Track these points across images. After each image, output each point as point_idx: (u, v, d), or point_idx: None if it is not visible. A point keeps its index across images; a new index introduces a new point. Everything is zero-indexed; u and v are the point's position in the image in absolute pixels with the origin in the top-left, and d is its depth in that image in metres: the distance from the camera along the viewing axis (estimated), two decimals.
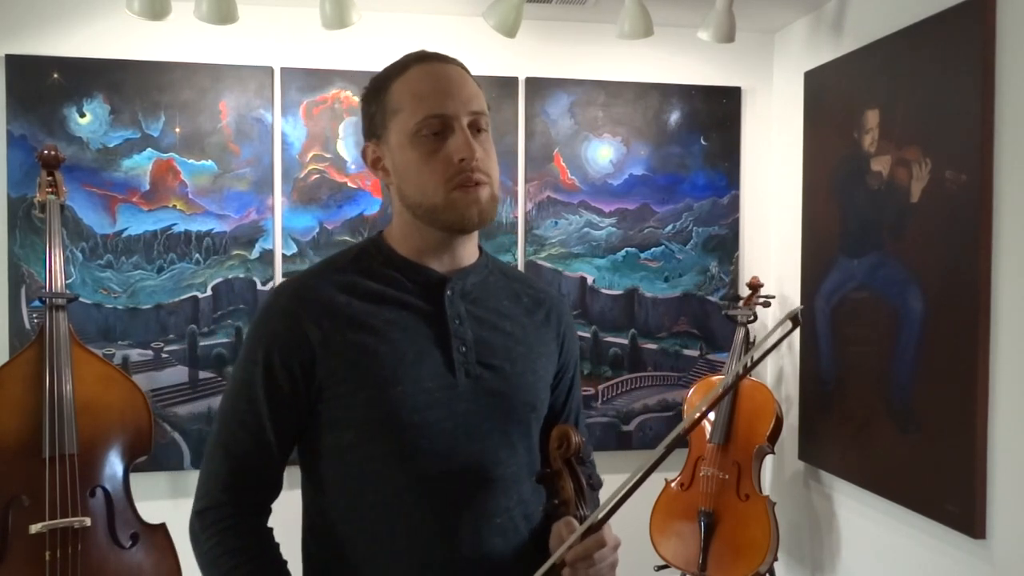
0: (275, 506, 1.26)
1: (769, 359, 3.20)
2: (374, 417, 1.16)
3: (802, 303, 2.91)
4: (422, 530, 1.16)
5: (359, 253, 1.24)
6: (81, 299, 2.68)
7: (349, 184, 2.89)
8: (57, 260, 2.37)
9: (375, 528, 1.18)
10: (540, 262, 3.02)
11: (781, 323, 1.06)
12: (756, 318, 2.96)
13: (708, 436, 2.84)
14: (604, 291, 3.07)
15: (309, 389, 1.17)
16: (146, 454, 2.44)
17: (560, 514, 1.18)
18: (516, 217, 3.00)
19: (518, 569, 1.19)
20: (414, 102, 1.15)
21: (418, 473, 1.16)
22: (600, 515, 1.10)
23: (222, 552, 1.16)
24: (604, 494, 1.24)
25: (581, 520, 1.15)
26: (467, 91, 1.17)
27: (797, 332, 2.93)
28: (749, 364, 1.20)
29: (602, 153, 3.07)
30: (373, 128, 1.21)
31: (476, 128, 1.17)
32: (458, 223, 1.16)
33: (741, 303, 2.99)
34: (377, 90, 1.20)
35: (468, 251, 1.26)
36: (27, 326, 2.68)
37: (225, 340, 2.82)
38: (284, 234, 2.86)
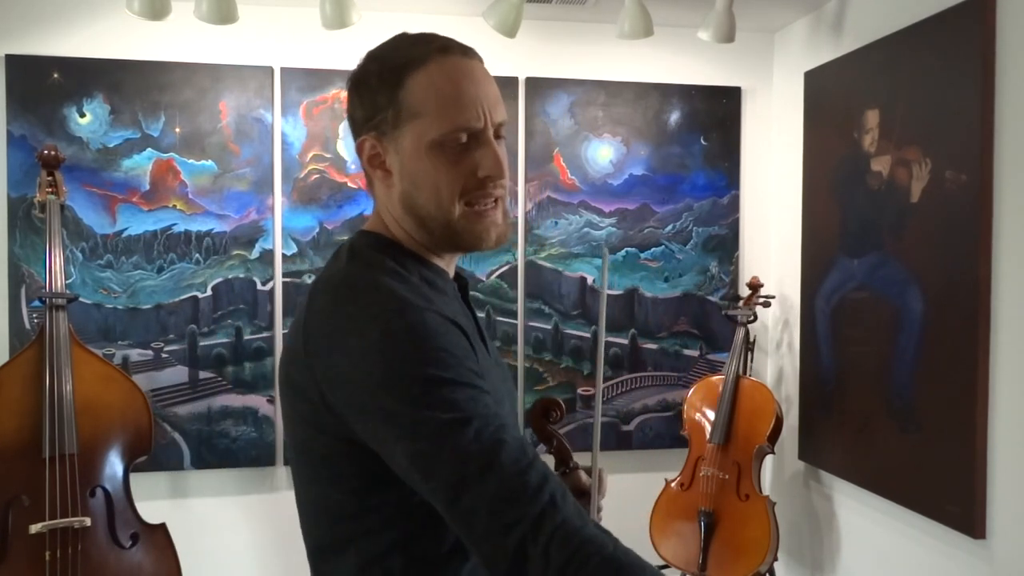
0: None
1: (769, 359, 3.21)
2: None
3: (802, 303, 2.91)
4: None
5: (393, 259, 1.07)
6: (81, 299, 2.68)
7: (349, 184, 2.89)
8: (57, 260, 2.37)
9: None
10: (540, 262, 3.02)
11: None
12: (756, 318, 2.96)
13: (708, 436, 2.84)
14: None
15: None
16: (146, 454, 2.44)
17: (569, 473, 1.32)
18: (516, 217, 3.00)
19: None
20: (441, 108, 1.02)
21: None
22: (597, 459, 1.26)
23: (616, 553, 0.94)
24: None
25: (585, 471, 1.32)
26: (493, 95, 1.06)
27: (798, 331, 2.92)
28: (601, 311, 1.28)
29: (602, 153, 3.07)
30: (377, 122, 1.06)
31: (496, 136, 1.07)
32: (475, 246, 1.08)
33: (741, 303, 2.99)
34: (387, 81, 1.04)
35: None
36: (27, 326, 2.68)
37: (225, 340, 2.82)
38: (284, 234, 2.86)
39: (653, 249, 3.10)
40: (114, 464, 2.37)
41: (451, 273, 1.16)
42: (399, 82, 1.03)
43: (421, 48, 1.05)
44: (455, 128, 1.02)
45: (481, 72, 1.07)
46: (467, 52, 1.07)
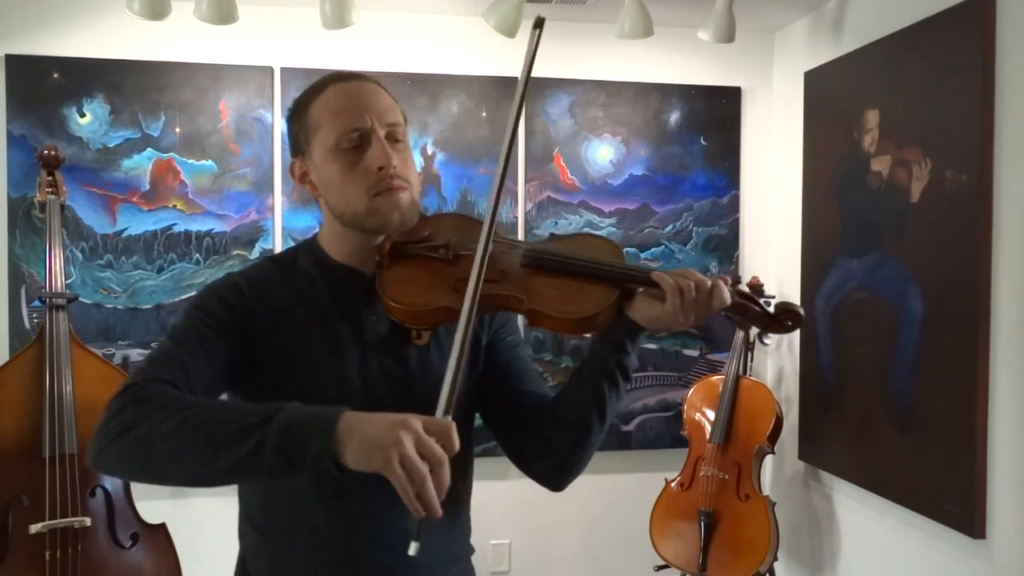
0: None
1: (769, 359, 3.21)
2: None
3: (802, 303, 2.91)
4: (323, 531, 1.22)
5: (296, 254, 1.32)
6: (81, 299, 2.68)
7: None
8: (57, 260, 2.37)
9: (283, 521, 1.30)
10: None
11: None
12: None
13: (708, 436, 2.83)
14: None
15: (240, 358, 1.21)
16: None
17: None
18: (516, 217, 3.00)
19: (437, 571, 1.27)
20: (332, 118, 1.22)
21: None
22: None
23: (168, 399, 1.09)
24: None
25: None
26: (381, 104, 1.24)
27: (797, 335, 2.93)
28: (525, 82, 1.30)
29: (602, 153, 3.07)
30: (298, 145, 1.28)
31: (393, 139, 1.23)
32: (381, 227, 1.23)
33: None
34: (299, 111, 1.27)
35: None
36: (27, 326, 2.68)
37: None
38: (284, 234, 2.86)
39: (653, 249, 3.10)
40: None
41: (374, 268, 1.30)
42: (306, 108, 1.25)
43: (323, 80, 1.27)
44: (345, 129, 1.20)
45: (371, 89, 1.26)
46: (360, 77, 1.27)
